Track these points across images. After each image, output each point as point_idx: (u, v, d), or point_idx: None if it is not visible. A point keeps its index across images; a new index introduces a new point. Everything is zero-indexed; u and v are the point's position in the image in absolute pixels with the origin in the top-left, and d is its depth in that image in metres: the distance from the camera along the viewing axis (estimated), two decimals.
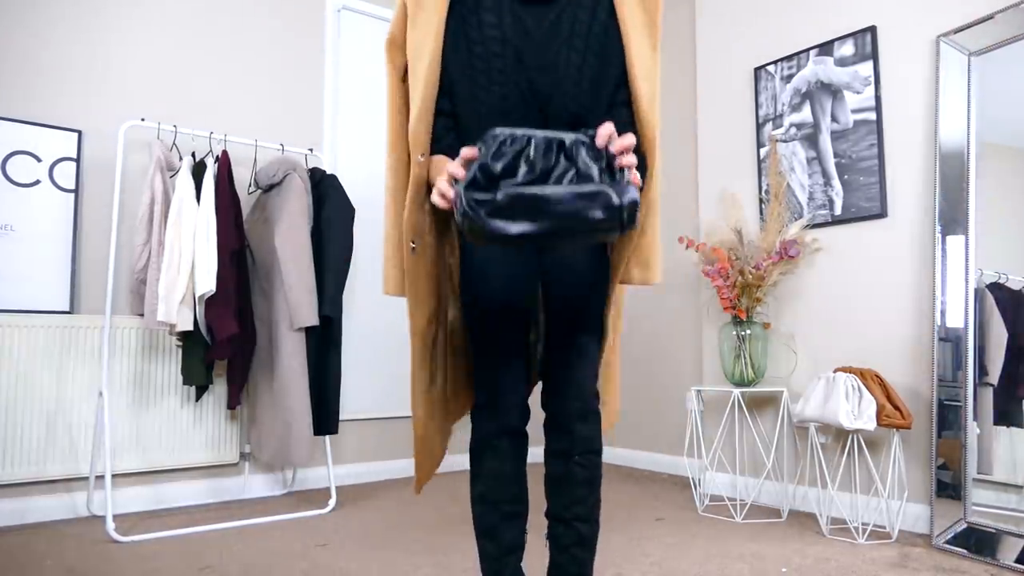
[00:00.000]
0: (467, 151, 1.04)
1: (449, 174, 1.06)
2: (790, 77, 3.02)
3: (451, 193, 1.06)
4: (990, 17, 2.39)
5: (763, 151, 3.11)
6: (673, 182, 3.64)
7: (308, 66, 3.45)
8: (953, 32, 2.49)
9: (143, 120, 2.74)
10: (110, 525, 2.37)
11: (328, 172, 3.04)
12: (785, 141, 3.02)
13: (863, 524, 2.48)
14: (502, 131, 1.04)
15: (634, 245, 1.36)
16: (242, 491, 3.06)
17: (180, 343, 2.74)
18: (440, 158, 1.30)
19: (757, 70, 3.16)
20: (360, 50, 3.63)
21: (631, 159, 1.06)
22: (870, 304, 2.69)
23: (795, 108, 2.99)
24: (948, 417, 2.39)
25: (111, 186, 2.82)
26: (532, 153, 1.03)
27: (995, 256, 2.36)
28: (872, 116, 2.71)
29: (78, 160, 2.81)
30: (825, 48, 2.89)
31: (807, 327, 2.89)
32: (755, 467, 3.03)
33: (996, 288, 2.35)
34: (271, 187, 2.91)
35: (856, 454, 2.57)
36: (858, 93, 2.76)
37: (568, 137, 1.04)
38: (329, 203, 2.92)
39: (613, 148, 1.05)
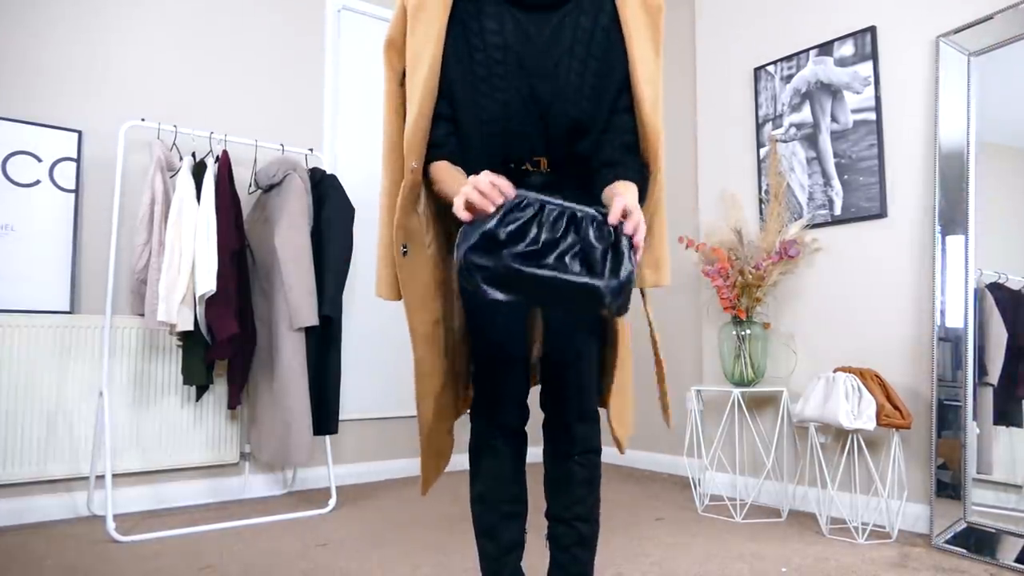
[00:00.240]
0: (505, 187, 1.05)
1: (474, 207, 1.06)
2: (790, 77, 3.02)
3: (487, 207, 1.06)
4: (990, 17, 2.39)
5: (763, 151, 3.11)
6: (673, 182, 3.64)
7: (308, 66, 3.45)
8: (953, 32, 2.49)
9: (143, 120, 2.74)
10: (110, 525, 2.37)
11: (328, 172, 3.04)
12: (785, 141, 3.02)
13: (863, 524, 2.48)
14: (519, 194, 1.06)
15: (645, 248, 1.36)
16: (242, 491, 3.07)
17: (180, 343, 2.74)
18: (444, 164, 1.29)
19: (757, 70, 3.16)
20: (360, 50, 3.63)
21: (640, 237, 1.08)
22: (870, 304, 2.69)
23: (795, 108, 2.99)
24: (948, 417, 2.39)
25: (111, 186, 2.82)
26: (542, 221, 1.05)
27: (995, 256, 2.36)
28: (872, 116, 2.71)
29: (78, 160, 2.81)
30: (825, 48, 2.89)
31: (807, 327, 2.89)
32: (755, 467, 3.03)
33: (996, 288, 2.35)
34: (271, 187, 2.91)
35: (856, 454, 2.57)
36: (858, 93, 2.77)
37: (580, 211, 1.06)
38: (329, 203, 2.92)
39: (626, 229, 1.07)
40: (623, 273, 1.04)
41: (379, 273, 1.38)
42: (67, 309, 2.74)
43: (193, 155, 2.80)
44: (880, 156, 2.68)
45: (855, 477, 2.60)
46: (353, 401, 3.43)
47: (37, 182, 2.73)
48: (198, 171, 2.71)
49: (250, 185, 3.06)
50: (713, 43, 3.38)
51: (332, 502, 2.86)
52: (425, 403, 1.37)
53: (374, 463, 3.51)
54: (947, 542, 2.28)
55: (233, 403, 2.84)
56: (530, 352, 1.42)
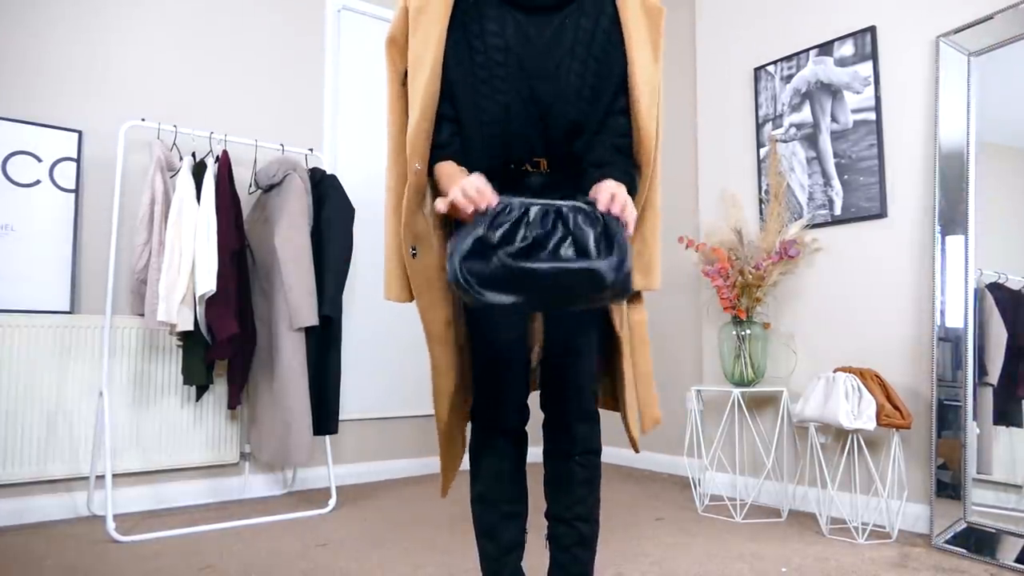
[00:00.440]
0: (489, 194, 1.10)
1: (466, 211, 1.10)
2: (790, 77, 3.02)
3: (468, 209, 1.11)
4: (990, 17, 2.39)
5: (763, 151, 3.11)
6: (673, 182, 3.64)
7: (308, 66, 3.45)
8: (953, 32, 2.49)
9: (143, 120, 2.74)
10: (110, 525, 2.37)
11: (328, 172, 3.04)
12: (785, 141, 3.02)
13: (863, 524, 2.48)
14: (502, 200, 1.09)
15: (636, 251, 1.36)
16: (242, 491, 3.07)
17: (180, 343, 2.74)
18: (449, 165, 1.29)
19: (757, 70, 3.16)
20: (360, 50, 3.63)
21: (630, 214, 1.10)
22: (870, 304, 2.69)
23: (795, 108, 2.99)
24: (948, 417, 2.39)
25: (111, 186, 2.82)
26: (529, 221, 1.06)
27: (995, 256, 2.36)
28: (872, 116, 2.71)
29: (78, 160, 2.81)
30: (825, 48, 2.89)
31: (807, 327, 2.89)
32: (755, 467, 3.03)
33: (996, 288, 2.35)
34: (271, 187, 2.91)
35: (856, 454, 2.57)
36: (858, 93, 2.77)
37: (564, 205, 1.08)
38: (329, 203, 2.92)
39: (615, 210, 1.09)
40: (618, 250, 1.05)
41: (388, 275, 1.36)
42: (67, 309, 2.74)
43: (193, 155, 2.80)
44: (880, 156, 2.68)
45: (855, 477, 2.60)
46: (353, 401, 3.43)
47: (37, 182, 2.73)
48: (198, 171, 2.71)
49: (250, 185, 3.06)
50: (713, 43, 3.38)
51: (332, 502, 2.86)
52: (441, 402, 1.37)
53: (374, 463, 3.51)
54: (947, 542, 2.28)
55: (233, 403, 2.84)
56: (530, 355, 1.43)
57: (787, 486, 2.84)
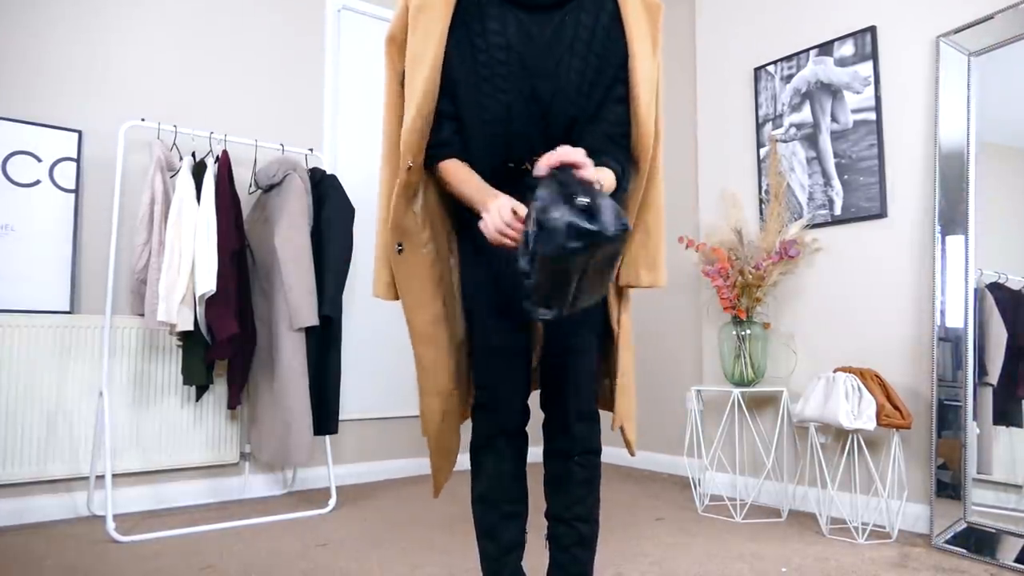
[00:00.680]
0: (518, 209, 1.15)
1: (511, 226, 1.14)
2: (790, 77, 3.02)
3: (513, 230, 1.14)
4: (990, 17, 2.39)
5: (763, 151, 3.11)
6: (673, 182, 3.64)
7: (308, 66, 3.45)
8: (953, 32, 2.49)
9: (143, 120, 2.74)
10: (110, 525, 2.37)
11: (328, 172, 3.04)
12: (785, 141, 3.02)
13: (863, 524, 2.48)
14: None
15: (633, 248, 1.36)
16: (242, 491, 3.06)
17: (180, 343, 2.74)
18: (456, 163, 1.29)
19: (757, 70, 3.16)
20: (360, 50, 3.63)
21: (588, 173, 1.08)
22: (870, 304, 2.69)
23: (795, 108, 2.99)
24: (948, 417, 2.39)
25: (111, 186, 2.82)
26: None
27: (995, 256, 2.36)
28: (872, 116, 2.71)
29: (78, 160, 2.81)
30: (825, 48, 2.89)
31: (807, 327, 2.89)
32: (755, 467, 3.03)
33: (996, 288, 2.35)
34: (271, 187, 2.91)
35: (856, 454, 2.57)
36: (858, 93, 2.76)
37: (535, 200, 1.06)
38: (329, 203, 2.92)
39: (549, 163, 1.08)
40: (600, 198, 1.04)
41: (376, 273, 1.38)
42: (67, 309, 2.74)
43: (193, 155, 2.80)
44: (880, 156, 2.68)
45: (855, 477, 2.60)
46: (353, 401, 3.43)
47: (37, 182, 2.73)
48: (198, 171, 2.71)
49: (250, 185, 3.06)
50: (713, 43, 3.38)
51: (332, 502, 2.86)
52: (429, 401, 1.37)
53: (374, 463, 3.51)
54: (947, 542, 2.28)
55: (233, 403, 2.84)
56: (531, 354, 1.43)
57: (787, 486, 2.84)
